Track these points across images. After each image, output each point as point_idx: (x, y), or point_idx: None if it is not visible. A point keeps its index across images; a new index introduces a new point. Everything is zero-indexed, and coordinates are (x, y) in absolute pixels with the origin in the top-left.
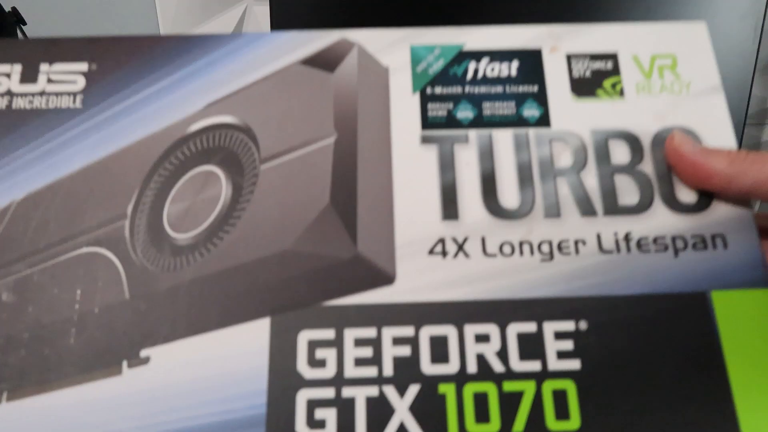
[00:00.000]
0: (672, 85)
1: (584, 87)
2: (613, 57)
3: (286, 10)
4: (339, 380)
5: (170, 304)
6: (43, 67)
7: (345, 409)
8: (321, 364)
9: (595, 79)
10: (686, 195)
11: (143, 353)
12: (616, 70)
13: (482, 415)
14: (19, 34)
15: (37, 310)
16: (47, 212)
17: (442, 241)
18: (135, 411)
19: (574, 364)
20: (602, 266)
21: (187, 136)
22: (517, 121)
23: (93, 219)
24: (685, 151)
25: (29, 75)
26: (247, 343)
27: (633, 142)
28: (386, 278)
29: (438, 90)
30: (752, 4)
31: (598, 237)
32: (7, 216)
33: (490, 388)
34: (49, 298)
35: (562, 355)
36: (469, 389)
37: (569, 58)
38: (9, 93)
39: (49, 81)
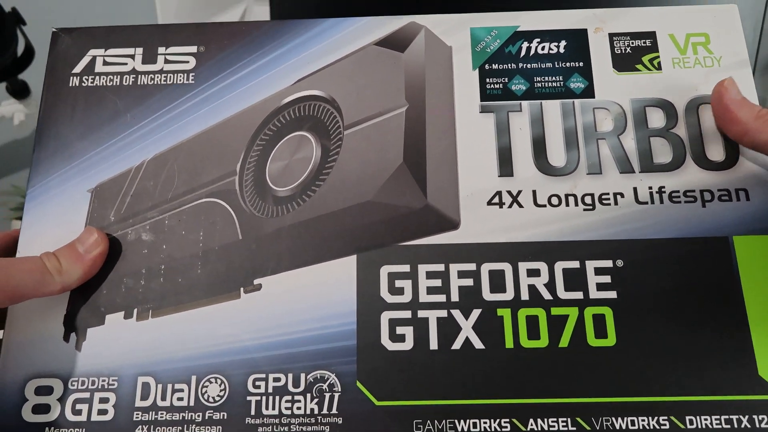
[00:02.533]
0: (705, 59)
1: (625, 62)
2: (652, 35)
3: (287, 10)
4: (414, 304)
5: (275, 244)
6: (160, 49)
7: (420, 327)
8: (399, 291)
9: (635, 55)
10: (715, 154)
11: (256, 282)
12: (654, 47)
13: (534, 334)
14: (19, 34)
15: (169, 247)
16: (172, 169)
17: (499, 193)
18: (252, 326)
19: (611, 294)
20: (638, 215)
21: (282, 107)
22: (564, 92)
23: (209, 175)
24: (725, 95)
25: (149, 56)
26: (338, 275)
27: (668, 109)
28: (452, 224)
29: (495, 66)
30: (752, 4)
31: (635, 190)
32: (141, 172)
33: (540, 313)
34: (179, 238)
35: (601, 287)
36: (523, 313)
37: (611, 37)
38: (134, 71)
39: (166, 61)
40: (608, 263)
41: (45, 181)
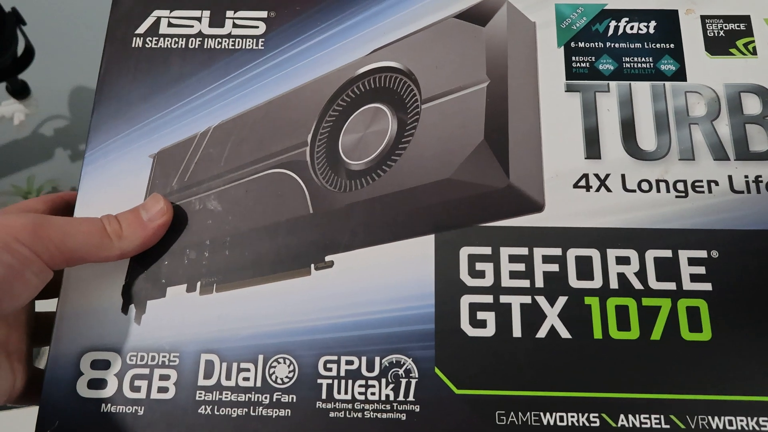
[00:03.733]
0: None
1: (718, 46)
2: (746, 19)
3: None
4: (496, 289)
5: (348, 219)
6: (229, 13)
7: (502, 312)
8: (480, 275)
9: (728, 39)
10: None
11: (328, 258)
12: (749, 32)
13: (624, 324)
14: (19, 34)
15: (235, 219)
16: (239, 137)
17: (585, 176)
18: (323, 304)
19: (706, 287)
20: (733, 204)
21: (357, 77)
22: (654, 74)
23: (278, 145)
24: None
25: (217, 20)
26: (415, 255)
27: (764, 95)
28: (536, 206)
29: (581, 44)
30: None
31: (730, 178)
32: (206, 139)
33: (630, 303)
34: (245, 209)
35: (695, 278)
36: (612, 302)
37: (704, 19)
38: (201, 34)
39: (234, 26)
40: (703, 253)
41: (104, 144)
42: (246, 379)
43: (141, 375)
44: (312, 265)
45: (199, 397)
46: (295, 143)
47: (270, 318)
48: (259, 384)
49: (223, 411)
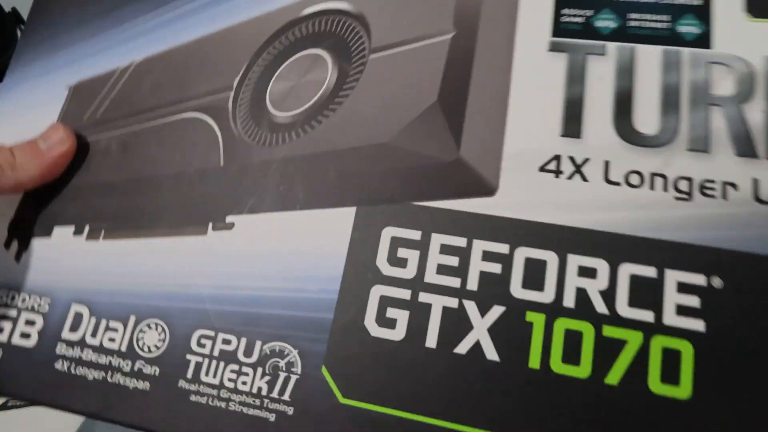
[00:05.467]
0: None
1: (764, 4)
2: None
3: None
4: (418, 283)
5: (261, 178)
6: None
7: (419, 313)
8: (401, 263)
9: None
10: None
11: (228, 219)
12: None
13: (572, 356)
14: (19, 34)
15: (138, 163)
16: (161, 76)
17: (557, 158)
18: (213, 270)
19: (697, 325)
20: (755, 219)
21: (300, 19)
22: (669, 37)
23: (201, 87)
24: None
25: None
26: (329, 229)
27: None
28: (486, 188)
29: None
30: None
31: (755, 183)
32: (126, 74)
33: (586, 328)
34: (151, 154)
35: (683, 310)
36: (561, 324)
37: None
38: None
39: None
40: (700, 279)
41: (22, 71)
42: (112, 339)
43: (7, 316)
44: (210, 224)
45: (60, 351)
46: (219, 86)
47: (152, 276)
48: (124, 348)
49: (79, 371)
